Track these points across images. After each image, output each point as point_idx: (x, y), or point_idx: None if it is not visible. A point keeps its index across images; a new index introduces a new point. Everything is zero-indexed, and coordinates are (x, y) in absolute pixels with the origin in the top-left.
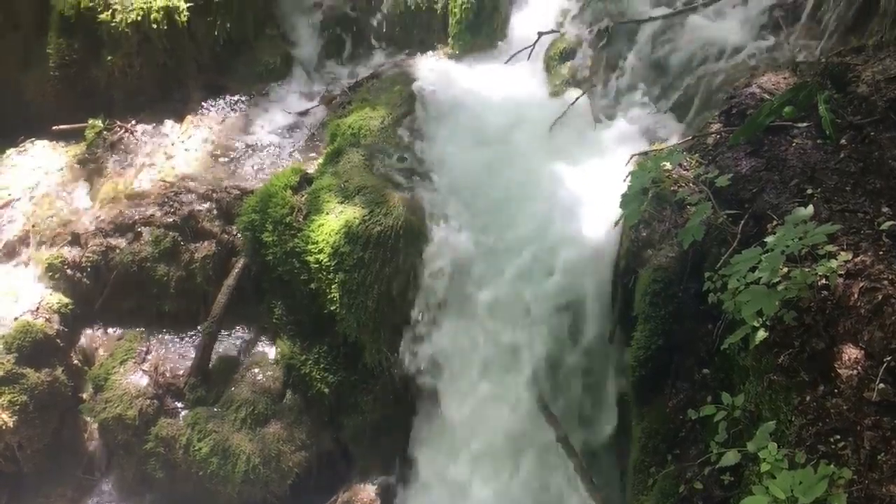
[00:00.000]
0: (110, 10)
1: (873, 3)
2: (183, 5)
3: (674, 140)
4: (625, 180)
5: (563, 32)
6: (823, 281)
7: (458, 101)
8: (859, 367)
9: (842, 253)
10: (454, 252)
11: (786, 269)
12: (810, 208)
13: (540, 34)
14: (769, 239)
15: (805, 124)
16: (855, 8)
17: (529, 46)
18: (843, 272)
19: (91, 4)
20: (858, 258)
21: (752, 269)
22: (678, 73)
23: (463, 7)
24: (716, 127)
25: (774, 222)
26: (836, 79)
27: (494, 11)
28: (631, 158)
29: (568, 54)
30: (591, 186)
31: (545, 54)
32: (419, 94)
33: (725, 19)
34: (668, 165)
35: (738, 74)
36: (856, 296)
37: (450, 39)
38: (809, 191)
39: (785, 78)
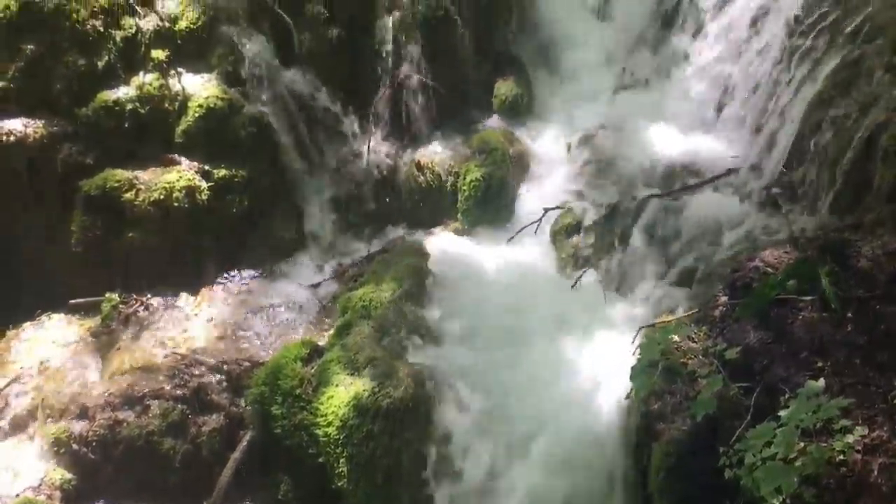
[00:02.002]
0: (134, 190)
1: (866, 181)
2: (204, 185)
3: (681, 312)
4: (634, 353)
5: (568, 208)
6: (841, 457)
7: (468, 276)
8: None
9: (857, 427)
10: (464, 432)
11: (802, 444)
12: (822, 381)
13: (546, 210)
14: (783, 413)
15: (810, 297)
16: (849, 186)
17: (535, 222)
18: (860, 447)
19: (117, 185)
20: (875, 433)
21: (768, 444)
22: (682, 248)
23: (471, 185)
24: (722, 300)
25: (787, 395)
26: (837, 253)
27: (501, 189)
28: (639, 331)
29: (573, 229)
30: (601, 360)
31: (551, 229)
32: (429, 268)
33: (725, 197)
34: (676, 338)
35: (740, 249)
36: (875, 473)
37: (459, 215)
38: (819, 364)
39: (786, 252)
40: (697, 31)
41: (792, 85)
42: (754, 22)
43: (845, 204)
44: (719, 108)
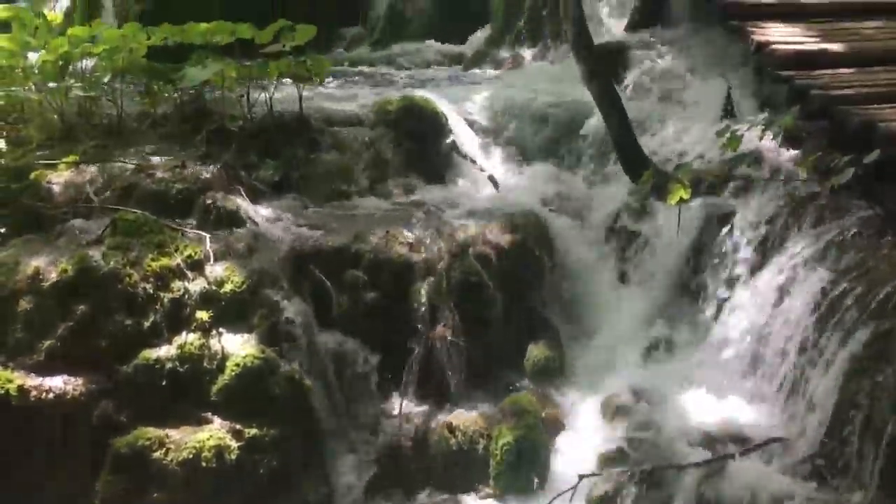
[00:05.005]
0: (164, 449)
1: None
2: (234, 445)
3: None
4: None
5: (603, 475)
6: None
7: None
8: None
9: None
10: None
11: None
12: None
13: (581, 477)
14: None
15: None
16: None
17: (570, 489)
18: None
19: (147, 443)
20: None
21: None
22: None
23: (503, 449)
24: None
25: None
26: None
27: (534, 453)
28: None
29: (610, 498)
30: None
31: (587, 497)
32: None
33: (767, 466)
34: None
35: None
36: None
37: (491, 480)
38: None
39: None
40: (724, 297)
41: (825, 355)
42: (782, 292)
43: (893, 478)
44: (753, 375)
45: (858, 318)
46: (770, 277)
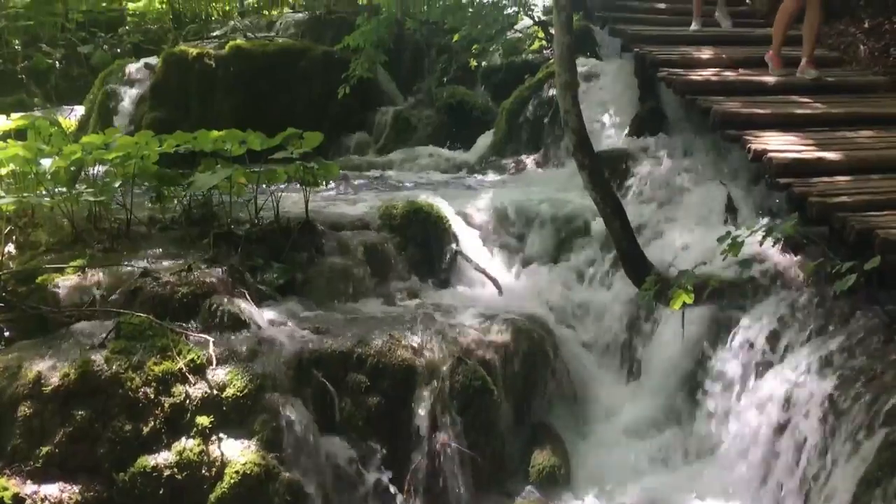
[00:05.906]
0: None
1: None
2: None
3: None
4: None
5: None
6: None
7: None
8: None
9: None
10: None
11: None
12: None
13: None
14: None
15: None
16: None
17: None
18: None
19: None
20: None
21: None
22: None
23: None
24: None
25: None
26: None
27: None
28: None
29: None
30: None
31: None
32: None
33: None
34: None
35: None
36: None
37: None
38: None
39: None
40: (732, 403)
41: (836, 464)
42: (789, 398)
43: None
44: (763, 483)
45: (869, 425)
46: (777, 384)
